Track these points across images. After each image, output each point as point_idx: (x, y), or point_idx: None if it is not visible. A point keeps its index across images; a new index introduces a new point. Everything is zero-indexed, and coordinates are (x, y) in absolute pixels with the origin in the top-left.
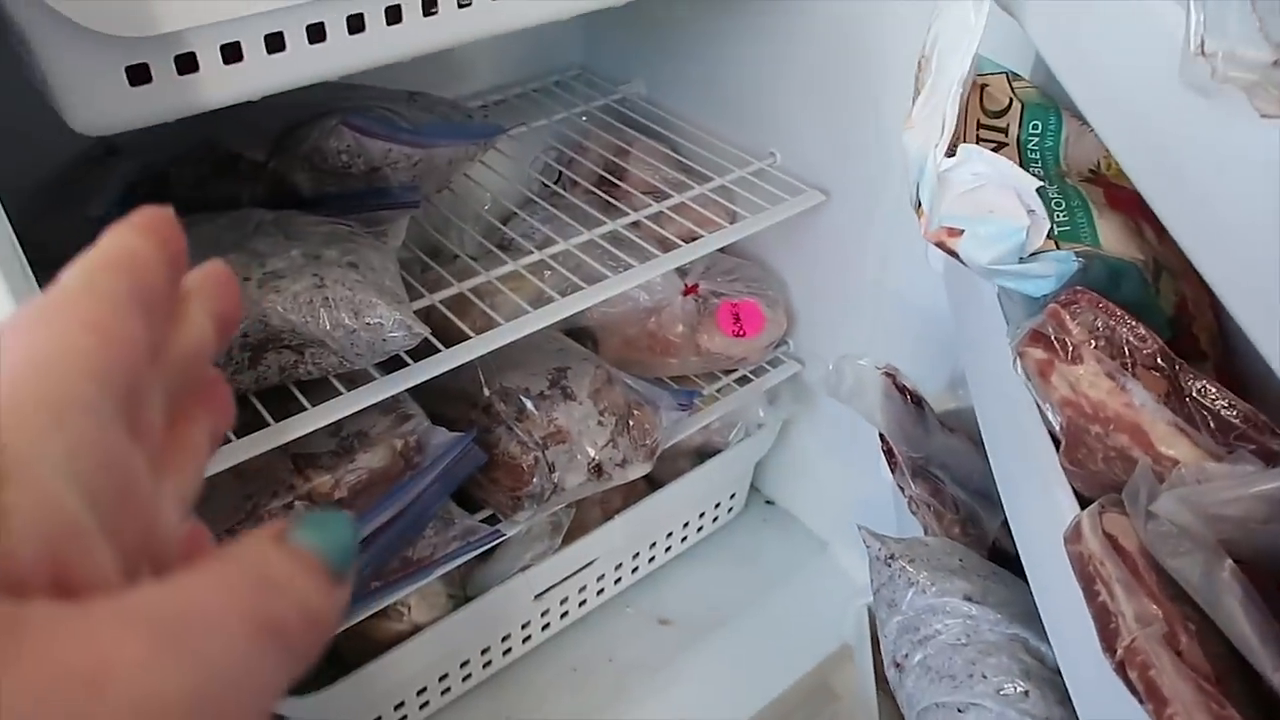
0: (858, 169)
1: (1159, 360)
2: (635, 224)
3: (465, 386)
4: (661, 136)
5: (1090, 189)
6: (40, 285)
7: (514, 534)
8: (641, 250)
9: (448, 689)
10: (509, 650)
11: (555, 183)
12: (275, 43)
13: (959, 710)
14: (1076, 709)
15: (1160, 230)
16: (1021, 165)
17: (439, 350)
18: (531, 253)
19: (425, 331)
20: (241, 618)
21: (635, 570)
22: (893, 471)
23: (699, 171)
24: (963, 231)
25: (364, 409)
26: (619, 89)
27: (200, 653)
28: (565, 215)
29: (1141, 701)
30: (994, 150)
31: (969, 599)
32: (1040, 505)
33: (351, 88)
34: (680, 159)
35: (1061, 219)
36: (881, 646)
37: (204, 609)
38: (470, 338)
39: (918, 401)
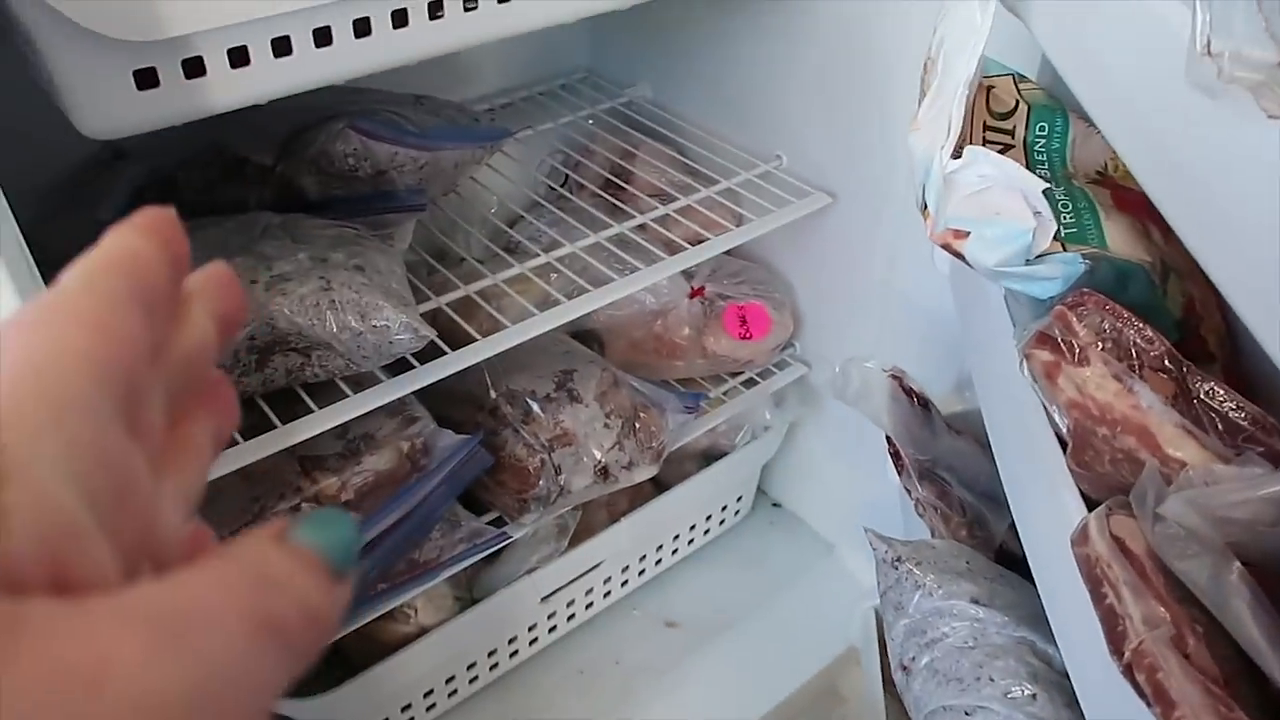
0: (864, 171)
1: (1166, 362)
2: (641, 227)
3: (472, 389)
4: (667, 139)
5: (1097, 191)
6: (47, 288)
7: (520, 536)
8: (648, 253)
9: (454, 691)
10: (516, 652)
11: (561, 186)
12: (282, 47)
13: (966, 714)
14: (1084, 712)
15: (1167, 232)
16: (1028, 167)
17: (445, 353)
18: (538, 255)
19: (431, 334)
20: (241, 616)
21: (642, 573)
22: (899, 474)
23: (705, 174)
24: (969, 233)
25: (370, 411)
26: (625, 92)
27: (199, 650)
28: (571, 218)
29: (1149, 704)
30: (1000, 152)
31: (976, 602)
32: (1047, 507)
33: (358, 91)
34: (686, 162)
35: (1068, 221)
36: (888, 649)
37: (203, 607)
38: (477, 340)
39: (924, 404)
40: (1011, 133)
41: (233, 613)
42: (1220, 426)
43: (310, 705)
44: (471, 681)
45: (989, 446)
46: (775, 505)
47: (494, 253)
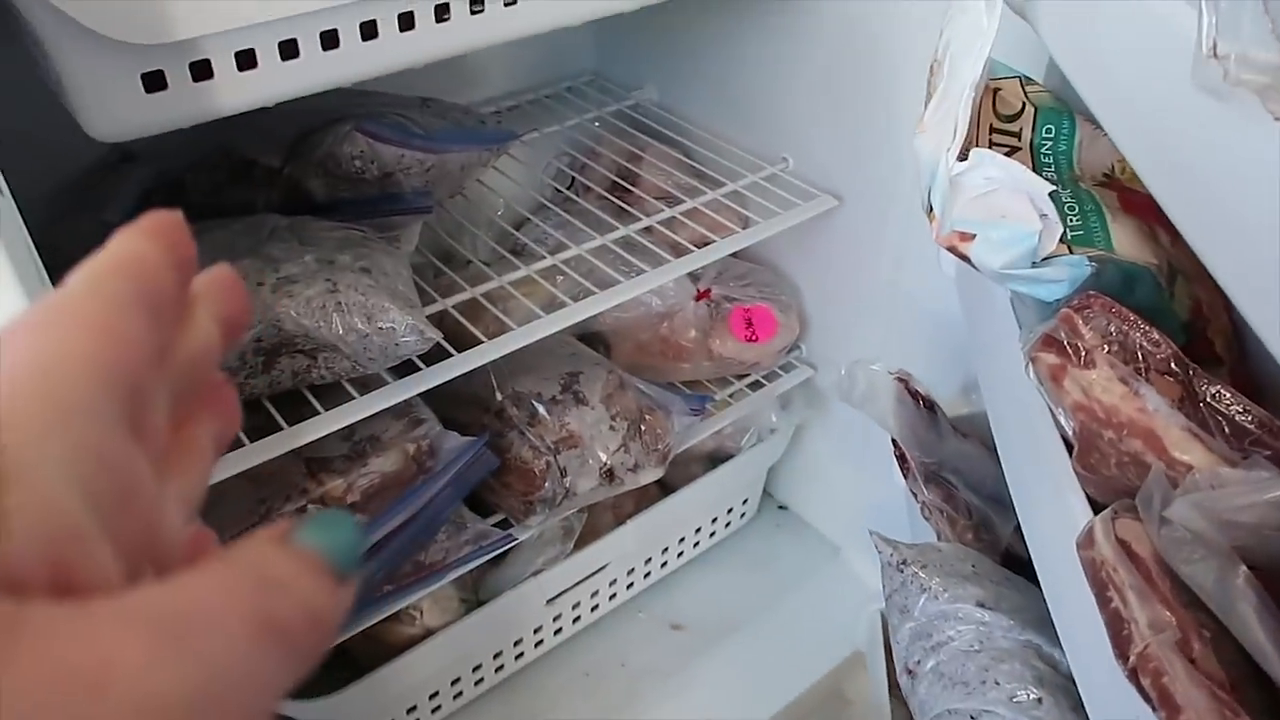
0: (870, 174)
1: (1173, 365)
2: (648, 229)
3: (477, 391)
4: (674, 142)
5: (1104, 193)
6: (55, 290)
7: (526, 538)
8: (654, 255)
9: (460, 693)
10: (521, 655)
11: (568, 188)
12: (289, 50)
13: (972, 717)
14: (1089, 716)
15: (1174, 234)
16: (1034, 169)
17: (451, 355)
18: (544, 258)
19: (437, 336)
20: (243, 618)
21: (648, 575)
22: (905, 477)
23: (711, 177)
24: (974, 236)
25: (376, 413)
26: (631, 94)
27: (202, 652)
28: (578, 220)
29: (1155, 709)
30: (1007, 155)
31: (982, 605)
32: (1053, 511)
33: (365, 94)
34: (693, 164)
35: (1074, 223)
36: (893, 652)
37: (205, 609)
38: (483, 342)
39: (930, 406)
40: (1018, 135)
41: (235, 615)
42: (1227, 430)
43: (316, 706)
44: (477, 684)
45: (995, 449)
46: (781, 508)
47: (500, 255)
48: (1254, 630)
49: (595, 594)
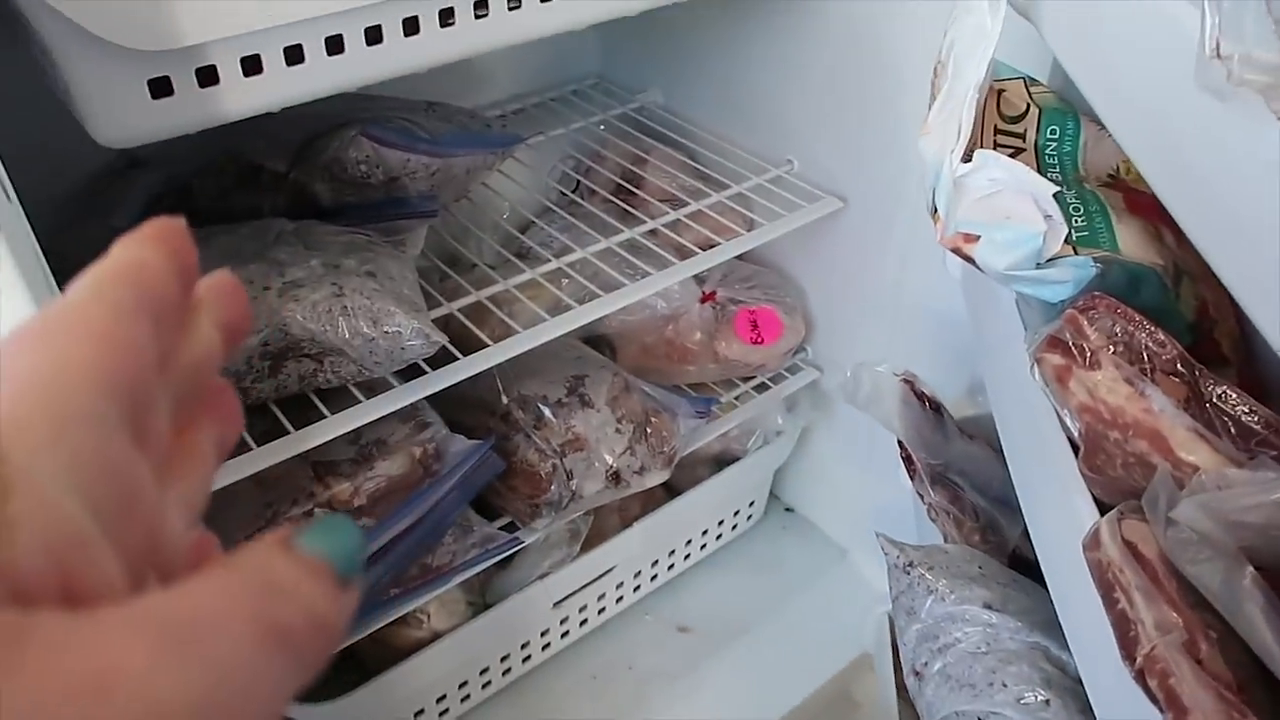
0: (875, 175)
1: (1178, 366)
2: (653, 232)
3: (483, 394)
4: (679, 145)
5: (1109, 194)
6: None
7: (532, 541)
8: (659, 258)
9: (467, 696)
10: (528, 658)
11: (573, 191)
12: (294, 55)
13: (979, 719)
14: (1097, 718)
15: (1180, 235)
16: (1039, 171)
17: (457, 358)
18: (549, 261)
19: (443, 339)
20: (247, 623)
21: (654, 578)
22: (911, 479)
23: (716, 179)
24: (979, 237)
25: (383, 417)
26: (636, 98)
27: (207, 659)
28: (583, 224)
29: (1162, 710)
30: (1011, 156)
31: (989, 607)
32: (1059, 512)
33: (370, 98)
34: (698, 167)
35: (1079, 224)
36: (900, 654)
37: (210, 615)
38: (488, 346)
39: (936, 408)
40: (1022, 136)
41: (239, 620)
42: (1233, 430)
43: (323, 710)
44: (484, 687)
45: (1001, 451)
46: (788, 510)
47: (505, 258)
48: (1261, 631)
49: (602, 597)
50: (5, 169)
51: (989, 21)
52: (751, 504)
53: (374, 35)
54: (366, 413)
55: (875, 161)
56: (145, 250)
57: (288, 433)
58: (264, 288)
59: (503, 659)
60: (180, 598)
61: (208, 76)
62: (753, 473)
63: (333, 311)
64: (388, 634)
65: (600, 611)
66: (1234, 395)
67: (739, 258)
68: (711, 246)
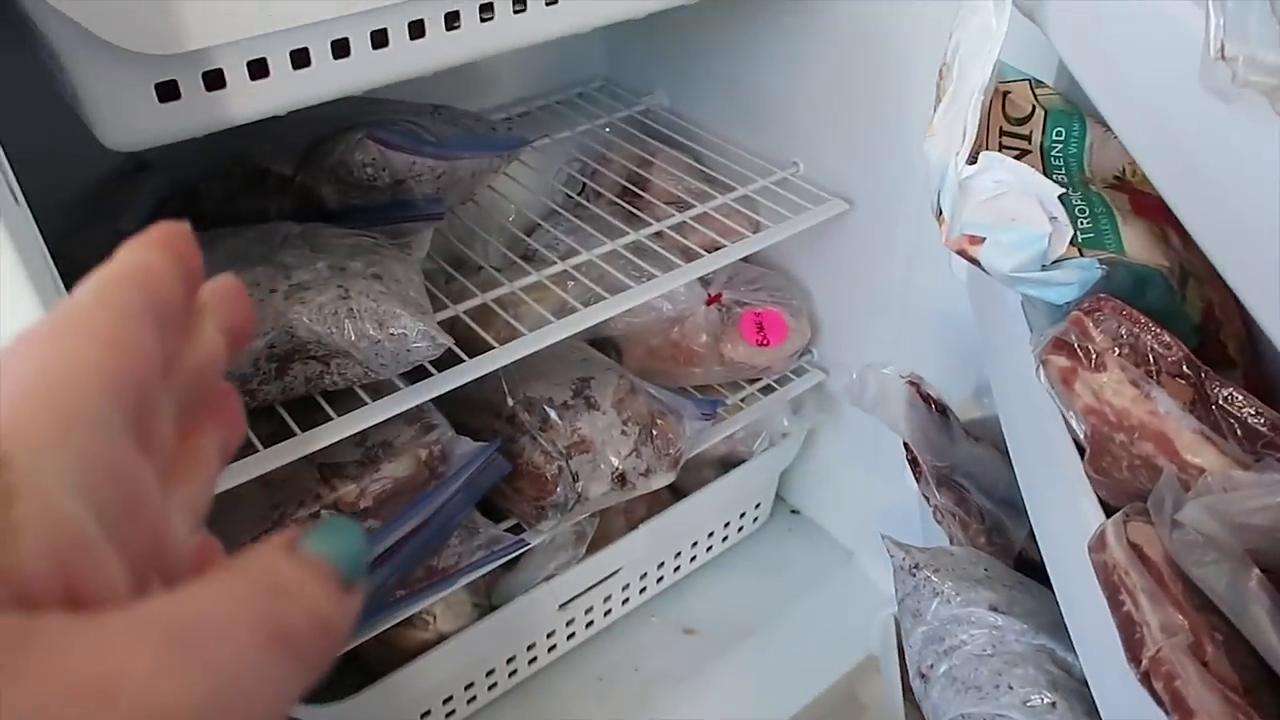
0: (881, 178)
1: (1184, 367)
2: (658, 234)
3: (489, 396)
4: (684, 147)
5: (1115, 195)
6: None
7: (538, 543)
8: (665, 260)
9: (474, 698)
10: (534, 659)
11: (579, 194)
12: (300, 58)
13: None
14: None
15: (1186, 236)
16: (1045, 172)
17: (463, 360)
18: (555, 263)
19: (449, 342)
20: (251, 626)
21: (660, 580)
22: (917, 481)
23: (722, 181)
24: (984, 239)
25: (389, 419)
26: (641, 100)
27: (211, 662)
28: (589, 226)
29: (1167, 713)
30: (1017, 158)
31: (995, 609)
32: (1065, 514)
33: (376, 102)
34: (703, 169)
35: (1085, 226)
36: (906, 657)
37: (214, 618)
38: (494, 348)
39: (942, 410)
40: (1028, 138)
41: (243, 623)
42: (1239, 432)
43: (330, 711)
44: (491, 688)
45: (1007, 453)
46: (794, 512)
47: (511, 261)
48: (1267, 633)
49: (608, 598)
50: (13, 172)
51: (994, 23)
52: (757, 506)
53: (380, 39)
54: (372, 415)
55: (881, 163)
56: (150, 254)
57: (294, 435)
58: (270, 290)
59: (509, 661)
60: (184, 601)
61: (214, 80)
62: (758, 475)
63: (339, 314)
64: (394, 636)
65: (606, 613)
66: (1240, 397)
67: (745, 260)
68: (717, 249)
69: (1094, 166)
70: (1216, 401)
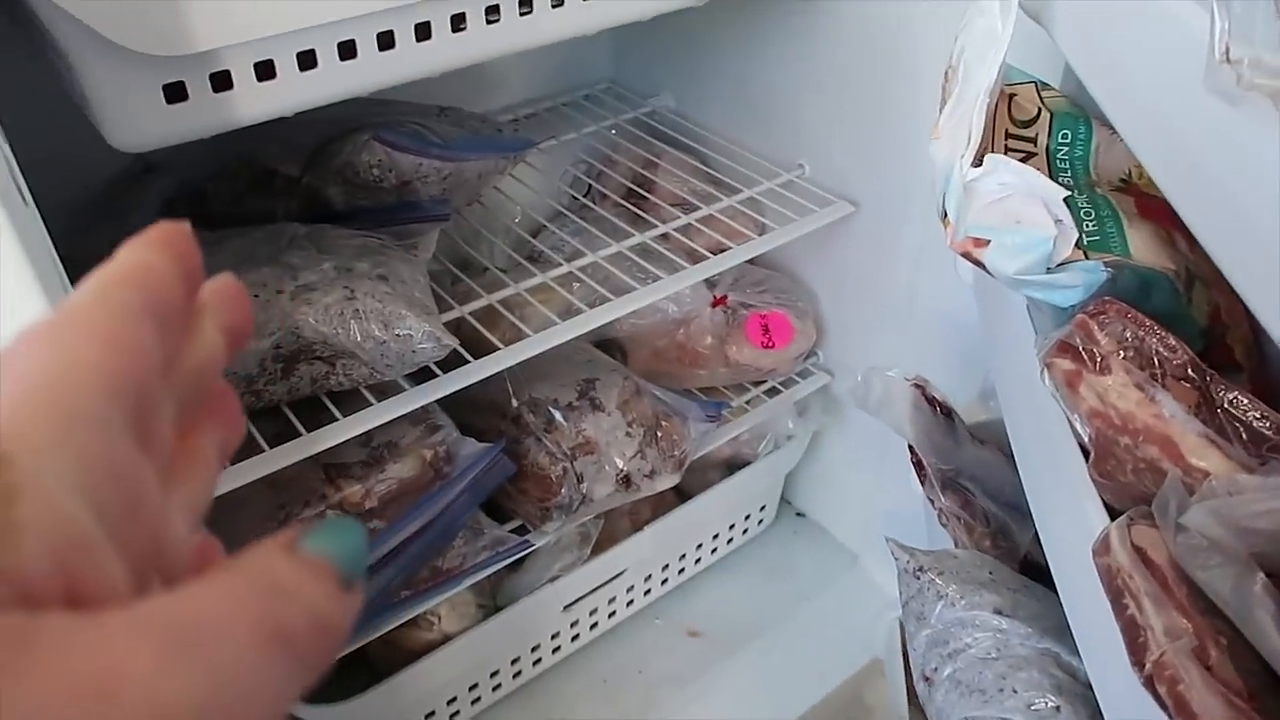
0: (887, 180)
1: (1189, 371)
2: (664, 236)
3: (494, 397)
4: (690, 149)
5: (1121, 198)
6: None
7: (543, 544)
8: (670, 262)
9: (478, 699)
10: (539, 661)
11: (584, 196)
12: (307, 60)
13: None
14: None
15: (1193, 239)
16: (1051, 175)
17: (468, 361)
18: (560, 265)
19: (454, 343)
20: (251, 626)
21: (665, 582)
22: (922, 484)
23: (728, 184)
24: (989, 242)
25: (394, 419)
26: (648, 102)
27: (211, 661)
28: (594, 228)
29: (1171, 717)
30: (1022, 160)
31: (999, 612)
32: (1070, 517)
33: (383, 103)
34: (709, 171)
35: (1090, 229)
36: (910, 660)
37: (214, 617)
38: (499, 349)
39: (948, 413)
40: (1034, 140)
41: (243, 623)
42: (1244, 436)
43: (335, 712)
44: (495, 689)
45: (1013, 456)
46: (799, 515)
47: (517, 262)
48: (1272, 638)
49: (613, 600)
50: (22, 173)
51: (1000, 25)
52: (762, 508)
53: (386, 40)
54: (378, 415)
55: (887, 165)
56: (150, 254)
57: (300, 435)
58: (277, 291)
59: (513, 662)
60: (184, 600)
61: (222, 81)
62: (763, 477)
63: (345, 314)
64: (398, 636)
65: (611, 615)
66: (1245, 401)
67: (750, 262)
68: (723, 251)
69: (1100, 169)
70: (1222, 405)
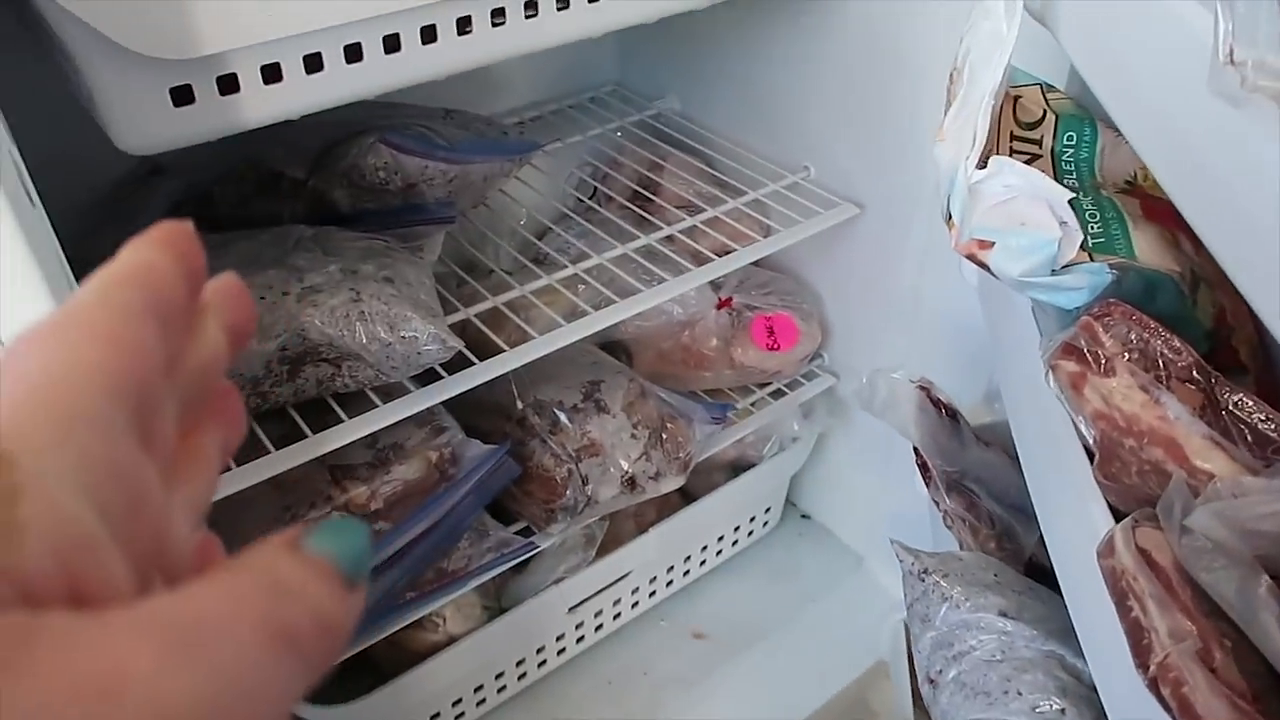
0: (892, 182)
1: (1194, 373)
2: (669, 238)
3: (499, 399)
4: (695, 151)
5: (1126, 200)
6: None
7: (548, 546)
8: (675, 264)
9: (483, 700)
10: (544, 662)
11: (590, 198)
12: (313, 63)
13: None
14: None
15: (1198, 241)
16: (1056, 177)
17: (473, 363)
18: (566, 267)
19: (459, 345)
20: (254, 625)
21: (670, 583)
22: (927, 485)
23: (733, 185)
24: (993, 244)
25: (399, 421)
26: (653, 104)
27: (213, 660)
28: (600, 230)
29: (1175, 719)
30: (1027, 162)
31: (1004, 614)
32: (1074, 519)
33: (389, 106)
34: (714, 173)
35: (1095, 230)
36: (915, 662)
37: (216, 617)
38: (504, 351)
39: (953, 415)
40: (1039, 142)
41: (246, 622)
42: (1250, 438)
43: (339, 713)
44: (500, 691)
45: (1018, 458)
46: (804, 517)
47: (522, 264)
48: (1276, 640)
49: (617, 602)
50: (30, 175)
51: (1005, 27)
52: (767, 510)
53: (392, 43)
54: (383, 417)
55: (892, 167)
56: (153, 253)
57: (305, 436)
58: (283, 293)
59: (518, 663)
60: (186, 600)
61: (228, 84)
62: (768, 479)
63: (350, 317)
64: (404, 637)
65: (616, 617)
66: (1250, 403)
67: (755, 264)
68: (728, 253)
69: (1105, 171)
70: (1226, 407)
